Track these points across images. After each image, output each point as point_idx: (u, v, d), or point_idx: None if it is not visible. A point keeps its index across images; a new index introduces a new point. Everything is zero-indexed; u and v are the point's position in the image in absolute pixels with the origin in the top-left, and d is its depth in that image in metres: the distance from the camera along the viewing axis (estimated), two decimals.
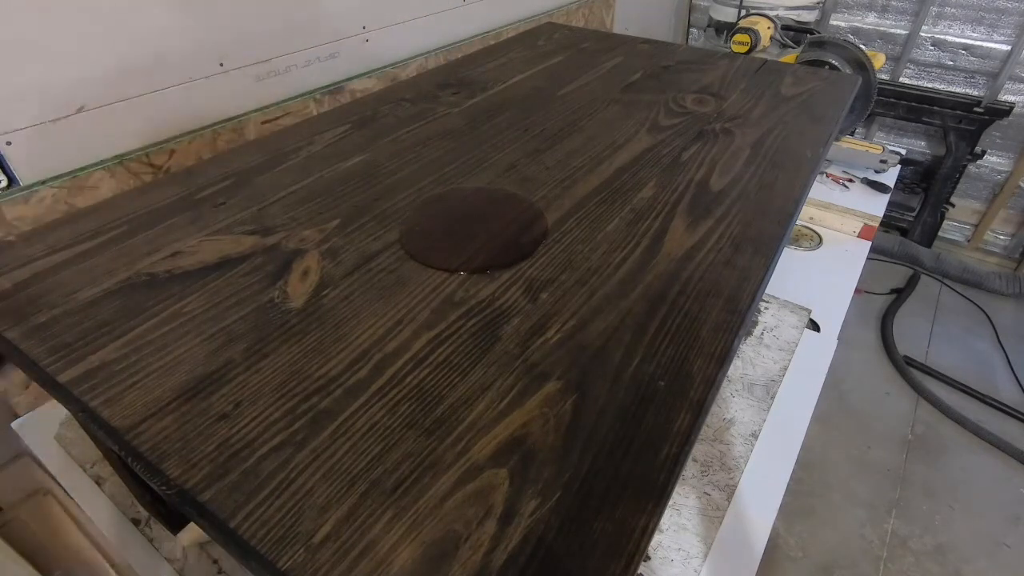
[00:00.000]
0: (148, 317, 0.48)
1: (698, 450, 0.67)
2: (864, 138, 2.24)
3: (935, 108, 2.13)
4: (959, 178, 2.23)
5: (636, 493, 0.36)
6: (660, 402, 0.42)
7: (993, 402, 1.75)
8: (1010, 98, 2.06)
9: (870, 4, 2.20)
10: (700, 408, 0.41)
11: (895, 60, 2.22)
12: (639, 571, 0.35)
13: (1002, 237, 2.32)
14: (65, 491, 0.68)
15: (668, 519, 0.61)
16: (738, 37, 1.53)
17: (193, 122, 0.83)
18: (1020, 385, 1.82)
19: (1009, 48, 2.00)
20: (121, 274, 0.53)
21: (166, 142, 0.80)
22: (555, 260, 0.55)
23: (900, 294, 2.16)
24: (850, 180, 1.29)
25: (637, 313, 0.49)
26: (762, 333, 0.84)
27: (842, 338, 0.86)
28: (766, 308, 0.89)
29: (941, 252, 2.30)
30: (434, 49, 1.20)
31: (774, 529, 0.61)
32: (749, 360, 0.80)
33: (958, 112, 2.10)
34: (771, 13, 1.63)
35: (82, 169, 0.73)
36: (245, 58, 0.87)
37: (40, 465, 0.71)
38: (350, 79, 1.04)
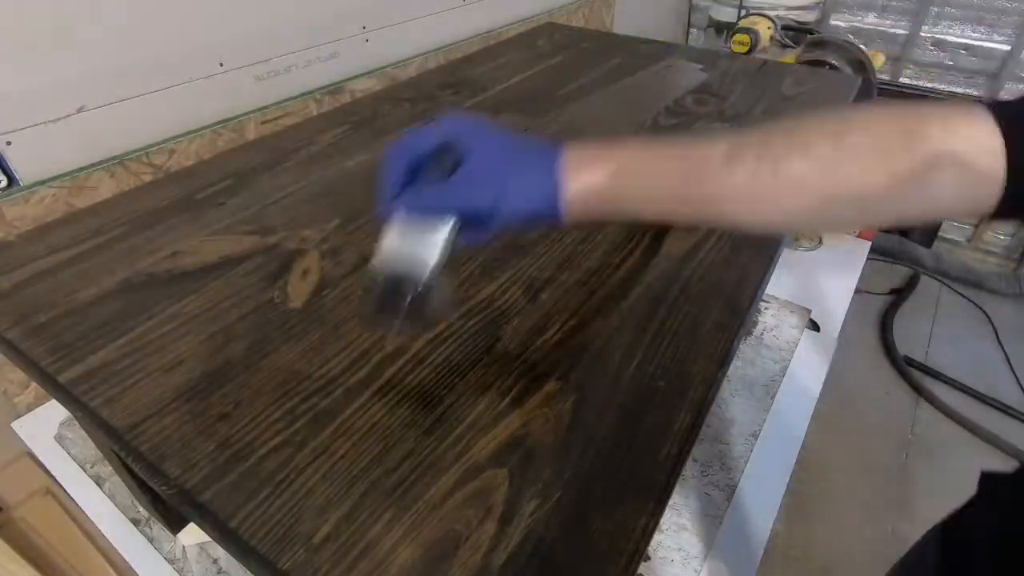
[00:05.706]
0: (148, 317, 0.48)
1: (698, 450, 0.67)
2: None
3: None
4: None
5: (636, 493, 0.36)
6: (660, 402, 0.42)
7: (993, 402, 1.75)
8: (1010, 98, 2.06)
9: (870, 4, 2.19)
10: (700, 408, 0.41)
11: (895, 60, 2.22)
12: (639, 571, 0.35)
13: (1002, 237, 2.32)
14: (65, 491, 0.68)
15: (668, 519, 0.61)
16: (738, 37, 1.54)
17: (193, 122, 0.83)
18: (1020, 385, 1.82)
19: (1009, 48, 2.00)
20: (121, 274, 0.53)
21: (166, 142, 0.80)
22: (555, 260, 0.55)
23: (900, 294, 2.16)
24: None
25: (637, 313, 0.49)
26: (762, 333, 0.84)
27: (842, 338, 0.86)
28: (766, 308, 0.89)
29: (941, 252, 2.30)
30: (434, 49, 1.20)
31: (774, 529, 0.61)
32: (749, 360, 0.80)
33: None
34: (771, 13, 1.63)
35: (82, 169, 0.73)
36: (245, 58, 0.87)
37: (40, 465, 0.71)
38: (350, 79, 1.04)
